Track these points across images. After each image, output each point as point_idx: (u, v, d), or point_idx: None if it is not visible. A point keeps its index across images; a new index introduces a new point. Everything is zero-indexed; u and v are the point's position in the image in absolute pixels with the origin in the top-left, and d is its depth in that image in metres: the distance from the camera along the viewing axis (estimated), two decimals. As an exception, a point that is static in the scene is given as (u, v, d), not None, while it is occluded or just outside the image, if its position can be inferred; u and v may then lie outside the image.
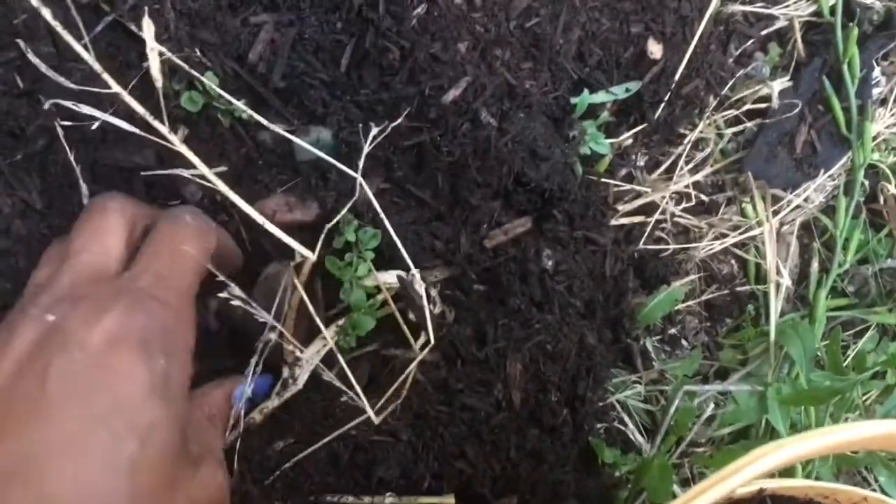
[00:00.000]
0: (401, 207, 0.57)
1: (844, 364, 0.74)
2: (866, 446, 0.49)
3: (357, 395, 0.52)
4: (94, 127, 0.44)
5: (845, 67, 0.77)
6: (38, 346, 0.41)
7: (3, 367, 0.40)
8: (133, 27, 0.52)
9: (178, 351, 0.45)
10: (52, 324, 0.41)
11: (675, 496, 0.62)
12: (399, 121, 0.54)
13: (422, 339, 0.55)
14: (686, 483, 0.72)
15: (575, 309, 0.60)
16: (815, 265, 0.80)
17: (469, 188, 0.57)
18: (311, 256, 0.51)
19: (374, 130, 0.50)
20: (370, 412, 0.52)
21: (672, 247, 0.75)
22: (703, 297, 0.77)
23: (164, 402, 0.42)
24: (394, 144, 0.56)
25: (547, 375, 0.56)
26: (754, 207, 0.77)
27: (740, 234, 0.77)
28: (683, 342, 0.76)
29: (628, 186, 0.72)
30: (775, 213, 0.77)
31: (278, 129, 0.52)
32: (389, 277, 0.56)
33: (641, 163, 0.73)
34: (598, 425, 0.68)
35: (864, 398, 0.74)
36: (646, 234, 0.73)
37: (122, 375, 0.41)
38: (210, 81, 0.52)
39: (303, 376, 0.52)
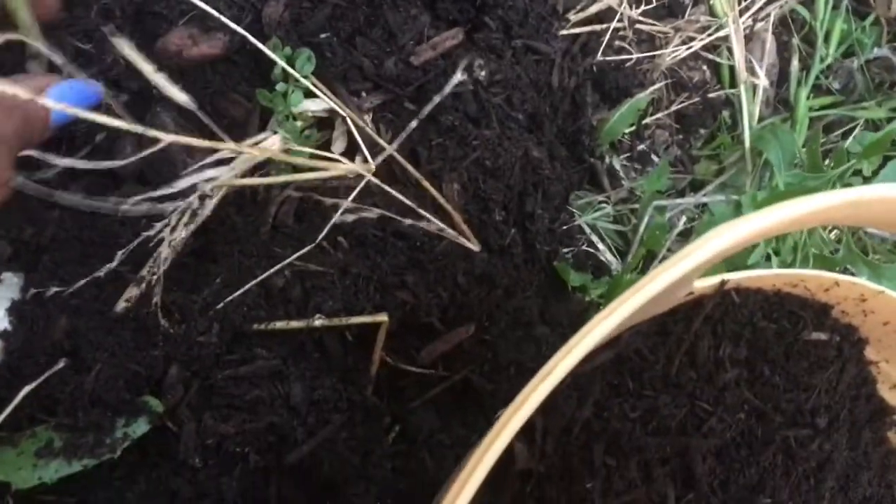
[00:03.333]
0: (317, 22, 0.52)
1: (826, 164, 0.69)
2: (831, 219, 0.45)
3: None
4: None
5: None
6: None
7: None
8: None
9: None
10: None
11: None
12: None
13: (357, 164, 0.51)
14: (661, 301, 0.69)
15: (517, 122, 0.55)
16: (794, 63, 0.74)
17: (389, 1, 0.52)
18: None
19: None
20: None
21: (635, 55, 0.70)
22: (673, 108, 0.72)
23: None
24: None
25: (488, 194, 0.53)
26: (723, 5, 0.70)
27: (709, 35, 0.71)
28: (654, 157, 0.72)
29: (579, -10, 0.66)
30: (746, 9, 0.71)
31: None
32: (319, 105, 0.52)
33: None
34: (566, 250, 0.66)
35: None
36: (604, 44, 0.68)
37: None
38: None
39: (211, 204, 0.49)
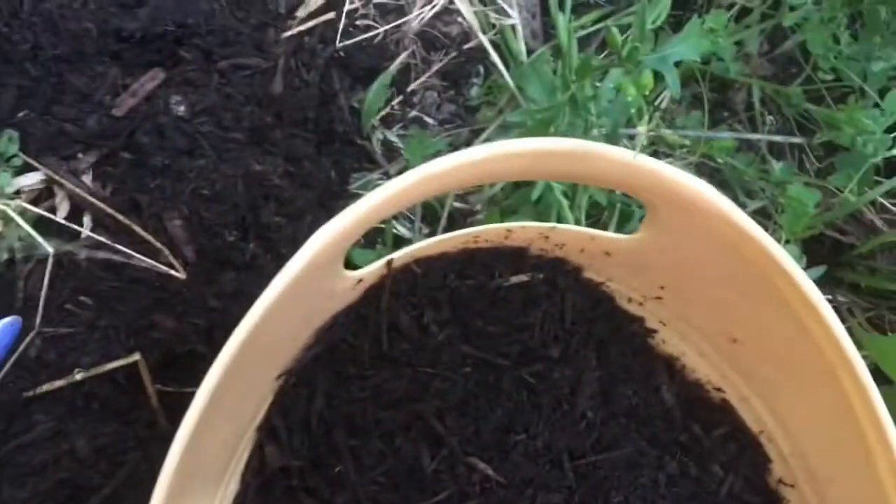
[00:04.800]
0: (8, 104, 0.55)
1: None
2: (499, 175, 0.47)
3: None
4: None
5: None
6: None
7: None
8: None
9: None
10: None
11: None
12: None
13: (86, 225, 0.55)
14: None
15: (236, 142, 0.58)
16: (548, -9, 0.75)
17: (67, 65, 0.55)
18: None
19: None
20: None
21: (382, 29, 0.71)
22: (434, 68, 0.74)
23: None
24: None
25: (212, 220, 0.56)
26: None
27: (449, -11, 0.72)
28: (430, 120, 0.74)
29: (292, -10, 0.67)
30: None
31: None
32: (34, 178, 0.55)
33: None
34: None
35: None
36: (340, 30, 0.69)
37: None
38: None
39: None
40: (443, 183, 0.40)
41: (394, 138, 0.72)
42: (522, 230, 0.50)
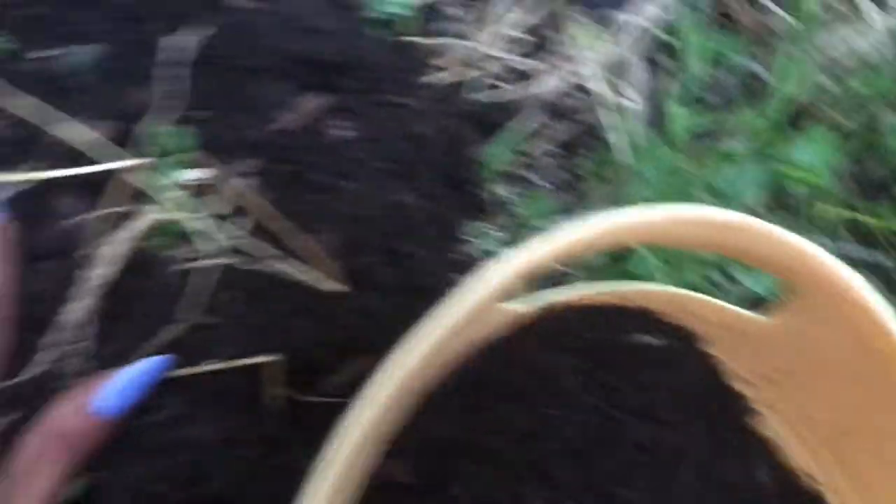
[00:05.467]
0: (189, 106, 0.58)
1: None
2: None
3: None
4: None
5: None
6: None
7: None
8: None
9: None
10: None
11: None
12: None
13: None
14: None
15: (386, 172, 0.61)
16: (663, 80, 0.80)
17: (249, 76, 0.59)
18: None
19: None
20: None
21: (506, 87, 0.76)
22: (553, 135, 0.78)
23: None
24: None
25: (360, 241, 0.59)
26: (588, 34, 0.76)
27: (578, 64, 0.77)
28: (543, 183, 0.78)
29: (443, 40, 0.72)
30: (612, 35, 0.77)
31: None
32: (203, 174, 0.59)
33: (456, 13, 0.73)
34: (457, 276, 0.71)
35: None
36: (477, 84, 0.74)
37: None
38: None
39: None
40: (633, 235, 0.43)
41: (506, 194, 0.76)
42: (658, 293, 0.52)
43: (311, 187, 0.59)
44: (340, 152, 0.60)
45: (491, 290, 0.42)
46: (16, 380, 0.53)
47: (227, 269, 0.56)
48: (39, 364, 0.54)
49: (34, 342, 0.55)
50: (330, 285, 0.58)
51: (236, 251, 0.57)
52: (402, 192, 0.62)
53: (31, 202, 0.58)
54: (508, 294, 0.46)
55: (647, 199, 0.73)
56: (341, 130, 0.60)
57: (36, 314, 0.55)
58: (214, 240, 0.57)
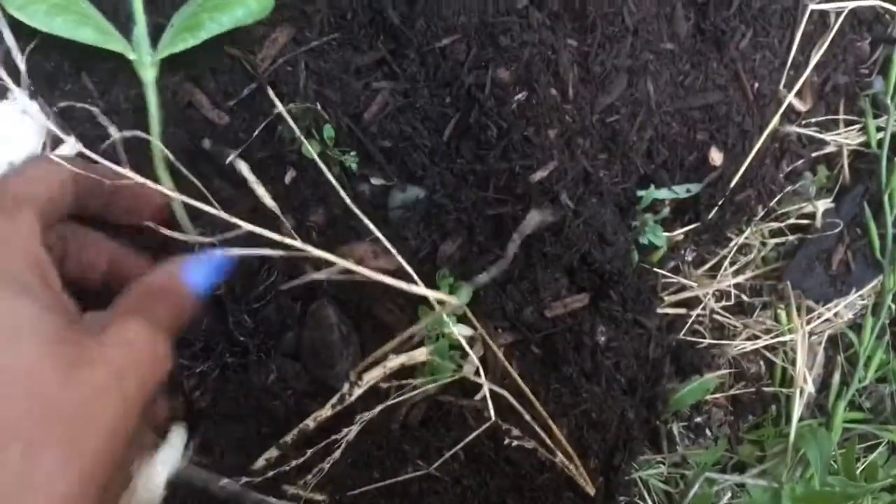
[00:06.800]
0: (479, 265, 0.62)
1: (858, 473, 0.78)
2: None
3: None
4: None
5: (886, 197, 0.83)
6: None
7: None
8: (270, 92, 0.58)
9: None
10: None
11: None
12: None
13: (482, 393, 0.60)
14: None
15: (619, 384, 0.64)
16: (836, 377, 0.85)
17: (541, 261, 0.63)
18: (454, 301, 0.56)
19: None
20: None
21: (708, 340, 0.80)
22: (730, 392, 0.82)
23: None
24: (479, 212, 0.62)
25: (588, 443, 0.61)
26: (788, 315, 0.82)
27: (772, 337, 0.82)
28: (707, 431, 0.81)
29: (675, 279, 0.77)
30: (807, 322, 0.82)
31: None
32: (466, 331, 0.61)
33: (690, 258, 0.79)
34: (621, 498, 0.73)
35: (874, 509, 0.77)
36: (686, 326, 0.78)
37: None
38: (327, 133, 0.59)
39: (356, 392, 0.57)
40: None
41: (676, 431, 0.79)
42: None
43: (558, 377, 0.62)
44: (594, 356, 0.63)
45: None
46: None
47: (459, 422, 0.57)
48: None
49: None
50: (551, 476, 0.60)
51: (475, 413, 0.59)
52: (626, 407, 0.64)
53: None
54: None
55: (807, 487, 0.75)
56: (602, 337, 0.63)
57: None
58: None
